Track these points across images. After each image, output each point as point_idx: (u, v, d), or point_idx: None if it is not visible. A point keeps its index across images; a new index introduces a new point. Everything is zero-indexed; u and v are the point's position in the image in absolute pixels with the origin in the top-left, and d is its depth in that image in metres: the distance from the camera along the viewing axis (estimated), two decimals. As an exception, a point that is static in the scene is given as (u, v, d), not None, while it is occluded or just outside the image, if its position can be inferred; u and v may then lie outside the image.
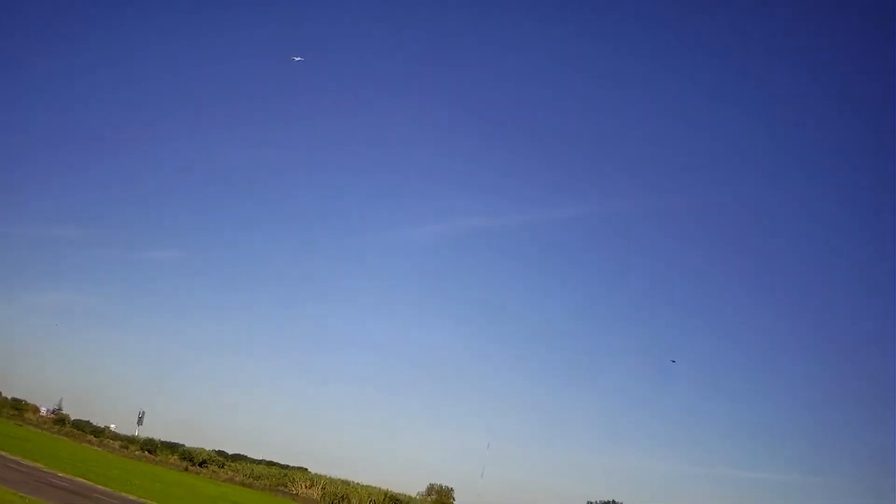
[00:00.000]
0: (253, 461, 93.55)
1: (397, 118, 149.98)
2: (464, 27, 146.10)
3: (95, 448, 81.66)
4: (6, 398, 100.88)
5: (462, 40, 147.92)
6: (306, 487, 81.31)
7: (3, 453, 45.61)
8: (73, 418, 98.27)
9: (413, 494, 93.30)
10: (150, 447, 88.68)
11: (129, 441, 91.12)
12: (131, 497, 39.71)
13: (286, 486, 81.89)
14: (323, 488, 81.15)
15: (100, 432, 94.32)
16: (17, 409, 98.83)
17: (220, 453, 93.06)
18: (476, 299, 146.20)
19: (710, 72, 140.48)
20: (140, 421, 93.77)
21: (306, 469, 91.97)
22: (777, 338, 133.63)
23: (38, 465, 44.26)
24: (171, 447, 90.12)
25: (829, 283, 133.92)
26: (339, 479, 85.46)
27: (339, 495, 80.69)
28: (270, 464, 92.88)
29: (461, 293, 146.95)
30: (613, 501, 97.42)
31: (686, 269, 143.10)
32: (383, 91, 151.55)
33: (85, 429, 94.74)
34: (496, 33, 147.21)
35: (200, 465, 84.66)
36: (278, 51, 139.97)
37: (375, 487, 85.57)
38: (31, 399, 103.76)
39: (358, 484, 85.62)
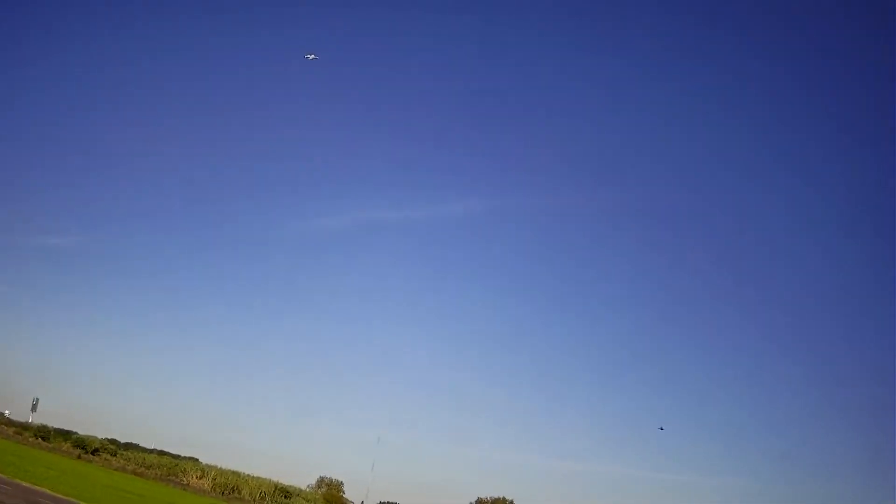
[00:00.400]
0: (145, 450, 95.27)
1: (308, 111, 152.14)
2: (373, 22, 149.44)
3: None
4: None
5: (372, 34, 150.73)
6: (197, 478, 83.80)
7: None
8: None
9: (303, 487, 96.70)
10: (44, 434, 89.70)
11: (23, 427, 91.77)
12: (25, 484, 42.26)
13: (177, 476, 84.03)
14: (214, 479, 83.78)
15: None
16: None
17: (113, 441, 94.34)
18: (372, 294, 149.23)
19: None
20: (34, 408, 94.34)
21: (197, 459, 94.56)
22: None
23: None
24: (65, 434, 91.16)
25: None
26: (229, 471, 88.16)
27: (230, 486, 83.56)
28: (162, 453, 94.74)
29: (358, 287, 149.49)
30: (503, 498, 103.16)
31: (590, 265, 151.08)
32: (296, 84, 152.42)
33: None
34: (399, 25, 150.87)
35: (93, 452, 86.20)
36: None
37: (266, 479, 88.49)
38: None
39: (248, 475, 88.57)
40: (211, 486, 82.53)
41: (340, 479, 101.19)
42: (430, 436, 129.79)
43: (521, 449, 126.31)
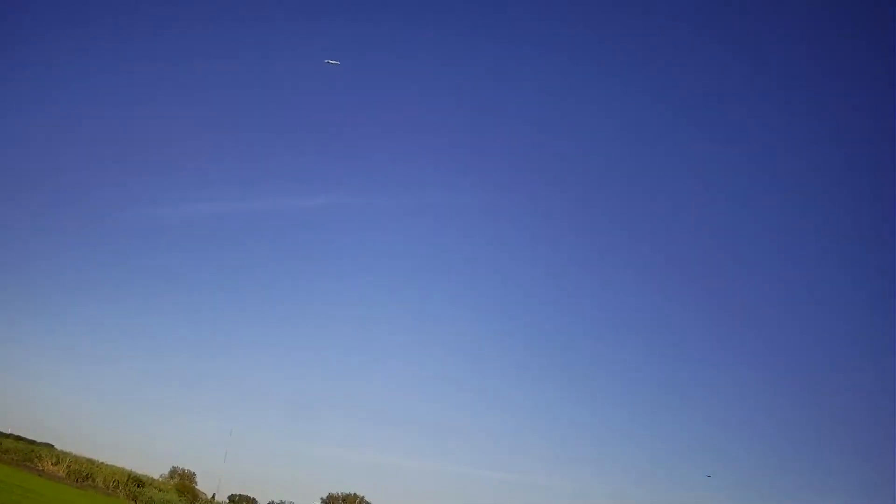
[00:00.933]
0: (1, 434, 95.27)
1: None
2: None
3: None
4: None
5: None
6: (52, 464, 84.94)
7: None
8: None
9: (156, 476, 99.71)
10: None
11: None
12: None
13: (32, 462, 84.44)
14: (68, 466, 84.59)
15: None
16: None
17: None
18: (227, 286, 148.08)
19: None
20: None
21: (52, 445, 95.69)
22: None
23: None
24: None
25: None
26: (84, 458, 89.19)
27: (84, 474, 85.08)
28: (18, 438, 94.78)
29: (213, 279, 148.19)
30: (354, 494, 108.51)
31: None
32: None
33: None
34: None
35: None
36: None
37: (119, 468, 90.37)
38: None
39: (102, 463, 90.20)
40: (66, 472, 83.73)
41: (193, 471, 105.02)
42: (283, 431, 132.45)
43: (373, 447, 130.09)
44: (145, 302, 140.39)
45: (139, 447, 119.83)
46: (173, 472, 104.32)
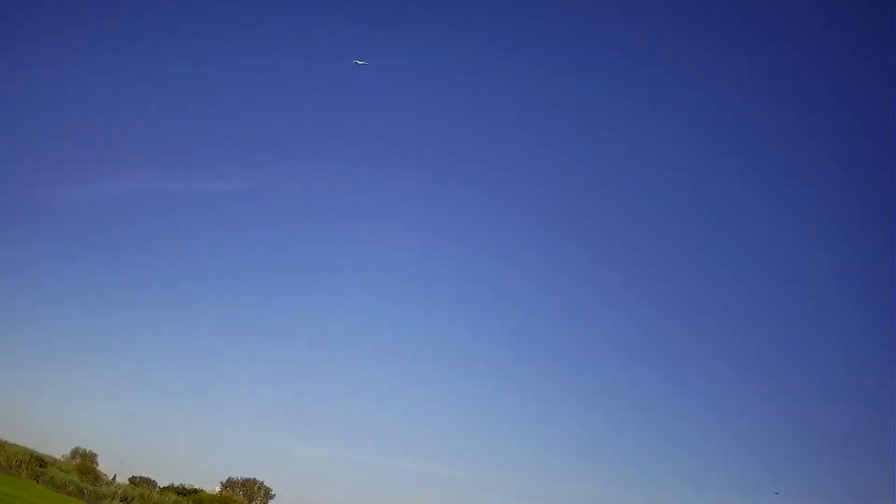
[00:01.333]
0: None
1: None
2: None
3: None
4: None
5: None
6: None
7: None
8: None
9: (58, 457, 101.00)
10: None
11: None
12: None
13: None
14: None
15: None
16: None
17: None
18: (130, 271, 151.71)
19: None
20: None
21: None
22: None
23: None
24: None
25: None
26: None
27: None
28: None
29: (113, 261, 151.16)
30: (254, 479, 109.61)
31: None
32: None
33: None
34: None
35: None
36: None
37: (22, 447, 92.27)
38: None
39: (6, 442, 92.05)
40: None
41: (95, 451, 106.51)
42: (185, 416, 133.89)
43: (274, 434, 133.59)
44: (51, 282, 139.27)
45: (41, 427, 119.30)
46: (75, 453, 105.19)
